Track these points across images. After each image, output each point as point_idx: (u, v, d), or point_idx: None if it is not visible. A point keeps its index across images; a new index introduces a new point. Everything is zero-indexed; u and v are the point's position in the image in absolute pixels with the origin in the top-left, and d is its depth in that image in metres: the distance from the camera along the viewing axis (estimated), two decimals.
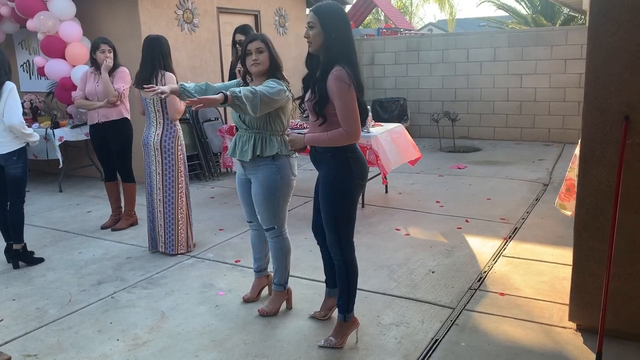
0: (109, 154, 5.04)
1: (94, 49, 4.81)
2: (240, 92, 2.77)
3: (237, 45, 4.62)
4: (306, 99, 2.78)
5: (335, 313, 3.09)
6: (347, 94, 2.60)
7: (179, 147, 4.26)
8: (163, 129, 4.21)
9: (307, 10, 9.62)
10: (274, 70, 3.09)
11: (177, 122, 4.28)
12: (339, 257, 2.85)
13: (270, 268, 3.51)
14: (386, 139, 5.52)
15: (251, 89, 2.84)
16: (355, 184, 2.79)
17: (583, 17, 14.39)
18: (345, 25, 2.68)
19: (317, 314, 3.23)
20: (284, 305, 3.38)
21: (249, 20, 8.32)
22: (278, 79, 3.05)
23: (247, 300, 3.49)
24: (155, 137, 4.22)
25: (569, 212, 3.82)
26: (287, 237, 3.30)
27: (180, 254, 4.35)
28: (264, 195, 3.12)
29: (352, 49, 2.69)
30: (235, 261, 4.19)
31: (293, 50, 8.83)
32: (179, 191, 4.29)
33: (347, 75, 2.59)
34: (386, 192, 6.09)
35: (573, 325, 3.01)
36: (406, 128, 6.46)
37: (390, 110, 9.53)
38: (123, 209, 5.20)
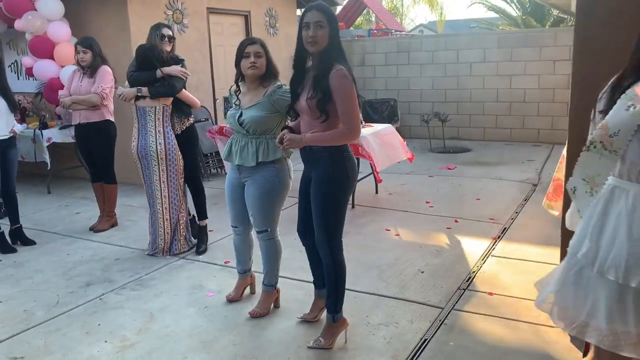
0: (92, 155, 5.02)
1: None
2: None
3: (166, 39, 4.29)
4: (306, 97, 2.68)
5: (324, 314, 3.09)
6: (352, 91, 2.66)
7: (179, 155, 4.26)
8: (165, 138, 4.16)
9: (298, 11, 9.61)
10: (269, 76, 3.09)
11: (173, 131, 4.25)
12: (327, 257, 2.84)
13: (254, 267, 3.53)
14: (375, 140, 5.52)
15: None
16: (349, 184, 2.82)
17: (572, 18, 14.50)
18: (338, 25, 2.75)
19: (307, 316, 3.21)
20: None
21: (239, 21, 8.30)
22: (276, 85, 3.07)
23: (231, 300, 3.49)
24: (159, 147, 4.14)
25: (557, 212, 3.84)
26: (278, 240, 3.31)
27: (182, 252, 4.38)
28: (262, 197, 3.11)
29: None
30: (225, 262, 4.18)
31: (284, 52, 8.81)
32: (181, 195, 4.34)
33: (349, 73, 2.65)
34: (376, 192, 6.10)
35: None
36: (396, 129, 6.48)
37: (381, 111, 9.55)
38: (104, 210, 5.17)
